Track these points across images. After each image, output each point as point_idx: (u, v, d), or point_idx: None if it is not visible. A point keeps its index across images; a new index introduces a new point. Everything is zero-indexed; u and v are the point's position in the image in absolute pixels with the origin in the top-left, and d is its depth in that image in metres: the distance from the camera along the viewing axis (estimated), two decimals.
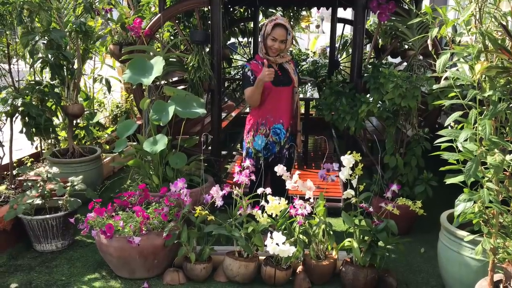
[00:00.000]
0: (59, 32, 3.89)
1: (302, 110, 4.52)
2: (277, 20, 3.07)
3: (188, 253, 2.87)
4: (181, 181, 3.00)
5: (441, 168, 2.23)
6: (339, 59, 7.45)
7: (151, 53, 3.80)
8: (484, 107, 2.06)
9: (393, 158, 3.57)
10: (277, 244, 2.56)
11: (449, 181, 2.17)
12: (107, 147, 5.13)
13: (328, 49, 7.98)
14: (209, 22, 4.07)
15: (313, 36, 13.53)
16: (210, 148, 4.48)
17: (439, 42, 3.78)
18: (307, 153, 5.19)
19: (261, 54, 3.16)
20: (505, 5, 2.19)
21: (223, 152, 4.82)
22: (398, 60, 5.96)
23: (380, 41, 5.97)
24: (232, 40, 7.69)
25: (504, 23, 1.95)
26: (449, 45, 2.12)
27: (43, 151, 4.61)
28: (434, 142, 2.22)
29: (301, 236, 2.81)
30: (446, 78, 2.13)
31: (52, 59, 3.99)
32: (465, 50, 1.97)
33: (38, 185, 3.34)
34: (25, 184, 3.44)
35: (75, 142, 4.46)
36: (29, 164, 4.02)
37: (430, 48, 2.20)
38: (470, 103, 2.02)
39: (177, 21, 4.84)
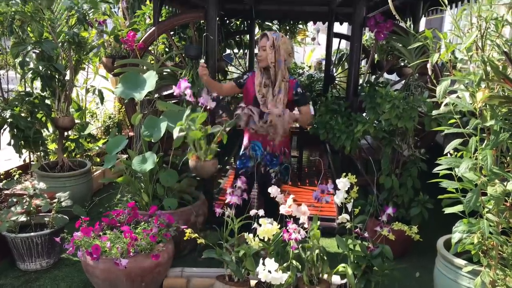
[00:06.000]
0: (50, 43, 3.80)
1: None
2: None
3: (197, 152, 3.04)
4: (184, 81, 3.01)
5: (439, 196, 2.17)
6: (335, 74, 7.41)
7: (144, 67, 3.72)
8: (484, 135, 2.01)
9: (389, 179, 3.50)
10: (269, 271, 2.47)
11: (447, 210, 2.11)
12: (98, 159, 5.03)
13: (323, 62, 7.95)
14: (205, 34, 4.00)
15: (309, 48, 13.55)
16: None
17: (437, 63, 3.74)
18: (301, 170, 5.12)
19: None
20: (508, 32, 2.14)
21: None
22: (394, 76, 5.94)
23: (376, 56, 5.93)
24: (228, 51, 7.63)
25: (507, 50, 1.89)
26: (450, 71, 2.06)
27: (32, 163, 4.50)
28: (433, 170, 2.16)
29: (294, 261, 2.73)
30: (446, 104, 2.08)
31: (43, 70, 3.90)
32: (466, 77, 1.92)
33: (24, 201, 3.23)
34: (10, 200, 3.33)
35: (64, 155, 4.35)
36: (17, 176, 3.91)
37: (429, 72, 2.15)
38: (470, 131, 1.96)
39: (172, 33, 4.78)
